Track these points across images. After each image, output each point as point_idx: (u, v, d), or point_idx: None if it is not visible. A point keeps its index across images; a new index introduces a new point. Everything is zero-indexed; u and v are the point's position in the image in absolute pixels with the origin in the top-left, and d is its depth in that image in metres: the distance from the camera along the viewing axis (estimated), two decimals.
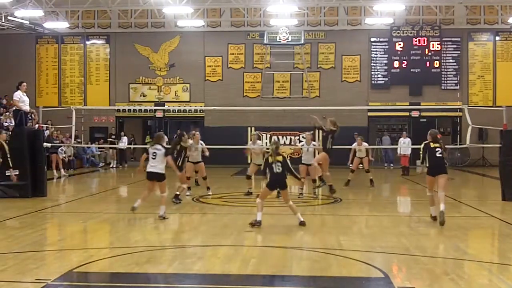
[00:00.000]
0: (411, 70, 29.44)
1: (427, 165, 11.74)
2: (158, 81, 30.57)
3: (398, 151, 24.58)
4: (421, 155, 11.79)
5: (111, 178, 24.50)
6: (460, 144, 26.57)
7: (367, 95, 29.65)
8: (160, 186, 12.16)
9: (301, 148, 17.61)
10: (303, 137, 23.57)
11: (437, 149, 11.64)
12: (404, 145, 23.96)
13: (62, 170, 23.23)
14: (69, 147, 24.52)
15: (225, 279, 7.44)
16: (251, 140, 17.65)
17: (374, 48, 29.84)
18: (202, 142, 16.50)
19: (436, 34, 29.37)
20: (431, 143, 11.73)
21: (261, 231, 10.78)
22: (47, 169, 17.07)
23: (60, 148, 23.70)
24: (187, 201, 14.87)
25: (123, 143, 27.62)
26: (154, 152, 12.04)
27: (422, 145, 11.83)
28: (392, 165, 27.95)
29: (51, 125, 24.21)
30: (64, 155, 24.90)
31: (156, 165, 12.02)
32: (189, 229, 11.69)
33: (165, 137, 13.05)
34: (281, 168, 11.16)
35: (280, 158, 11.24)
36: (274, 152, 11.30)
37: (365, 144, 19.63)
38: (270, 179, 11.29)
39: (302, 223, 11.13)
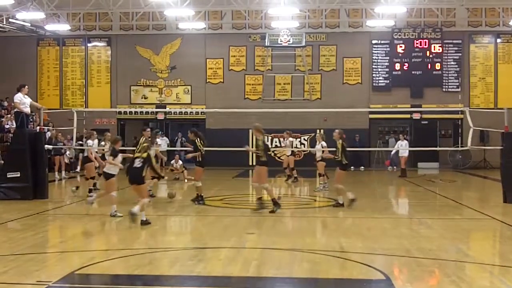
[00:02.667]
0: (413, 72, 29.44)
1: (345, 162, 13.80)
2: (159, 83, 30.59)
3: (399, 153, 24.55)
4: (342, 153, 13.75)
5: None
6: (461, 146, 26.54)
7: (368, 97, 29.64)
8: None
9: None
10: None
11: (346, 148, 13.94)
12: (402, 147, 23.92)
13: (63, 172, 23.32)
14: (70, 149, 24.53)
15: (226, 281, 7.45)
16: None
17: (375, 50, 29.84)
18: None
19: (438, 37, 29.37)
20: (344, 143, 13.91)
21: (263, 233, 10.79)
22: (49, 171, 17.09)
23: (63, 150, 23.79)
24: (188, 203, 14.83)
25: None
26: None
27: (341, 145, 13.81)
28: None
29: (53, 127, 24.23)
30: (71, 157, 25.06)
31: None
32: (190, 231, 11.70)
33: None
34: (140, 164, 11.70)
35: (144, 155, 11.81)
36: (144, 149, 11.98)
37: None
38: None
39: (144, 222, 11.37)
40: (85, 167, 17.37)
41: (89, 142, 17.37)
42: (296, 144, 29.12)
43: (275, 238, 10.17)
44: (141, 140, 13.59)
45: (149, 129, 15.46)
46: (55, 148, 22.47)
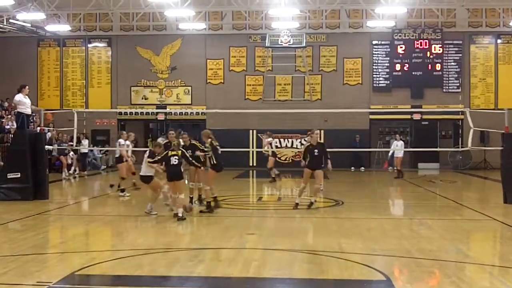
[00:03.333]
0: (413, 73, 29.43)
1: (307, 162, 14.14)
2: (159, 84, 30.60)
3: (395, 154, 24.49)
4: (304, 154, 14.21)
5: (114, 181, 24.46)
6: (461, 147, 26.54)
7: (369, 98, 29.63)
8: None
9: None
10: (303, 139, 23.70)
11: (315, 149, 14.09)
12: (397, 148, 23.90)
13: (63, 173, 23.36)
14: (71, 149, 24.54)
15: (227, 281, 7.46)
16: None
17: (375, 51, 29.83)
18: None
19: (438, 37, 29.37)
20: (311, 145, 14.20)
21: (263, 234, 10.80)
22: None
23: (67, 150, 23.84)
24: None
25: (84, 146, 25.33)
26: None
27: (305, 148, 14.44)
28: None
29: (53, 127, 24.22)
30: (72, 157, 25.10)
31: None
32: (191, 232, 11.71)
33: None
34: (177, 161, 12.41)
35: (179, 152, 12.50)
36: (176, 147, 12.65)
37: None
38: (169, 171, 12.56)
39: (180, 218, 12.09)
40: (117, 167, 17.81)
41: (121, 141, 17.41)
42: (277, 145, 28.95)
43: (276, 239, 10.18)
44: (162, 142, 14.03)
45: (172, 132, 14.63)
46: (59, 149, 22.56)
